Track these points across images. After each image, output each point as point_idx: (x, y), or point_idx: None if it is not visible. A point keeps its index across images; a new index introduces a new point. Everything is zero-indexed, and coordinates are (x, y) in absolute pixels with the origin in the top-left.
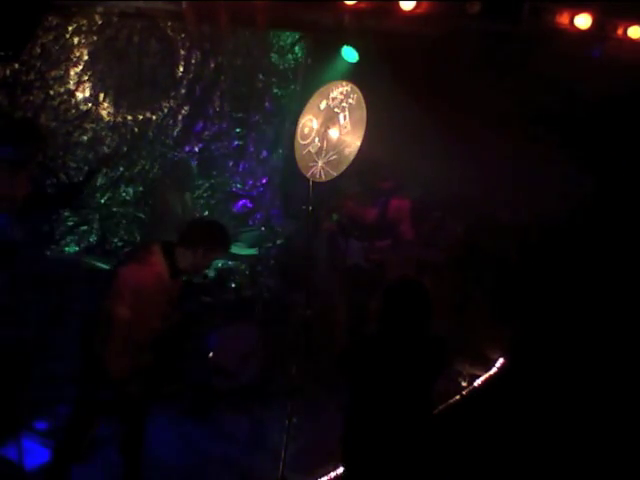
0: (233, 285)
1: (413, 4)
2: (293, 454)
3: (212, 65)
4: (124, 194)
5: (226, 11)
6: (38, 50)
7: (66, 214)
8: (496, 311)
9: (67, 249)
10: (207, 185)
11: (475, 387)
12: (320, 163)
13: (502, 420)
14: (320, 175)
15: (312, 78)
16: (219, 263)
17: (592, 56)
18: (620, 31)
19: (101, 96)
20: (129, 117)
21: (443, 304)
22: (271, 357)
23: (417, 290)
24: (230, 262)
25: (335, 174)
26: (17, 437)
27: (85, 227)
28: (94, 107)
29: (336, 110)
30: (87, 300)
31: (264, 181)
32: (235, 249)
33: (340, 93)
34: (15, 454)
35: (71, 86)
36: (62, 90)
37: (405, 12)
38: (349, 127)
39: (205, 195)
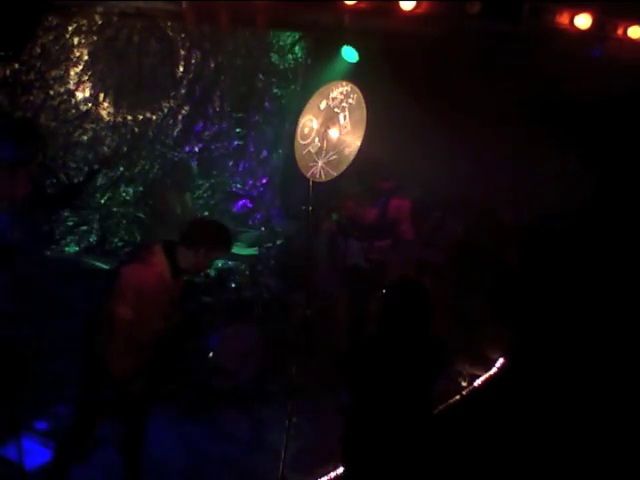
0: (233, 285)
1: (413, 4)
2: (293, 454)
3: (212, 65)
4: (124, 194)
5: (226, 11)
6: (38, 50)
7: (66, 214)
8: (496, 311)
9: (67, 249)
10: (207, 185)
11: (475, 387)
12: (320, 163)
13: (502, 420)
14: (320, 175)
15: (312, 78)
16: (219, 263)
17: (592, 56)
18: (620, 31)
19: (101, 96)
20: (129, 117)
21: (443, 304)
22: (271, 357)
23: (417, 290)
24: (230, 262)
25: (335, 174)
26: (17, 437)
27: (85, 227)
28: (94, 107)
29: (336, 110)
30: (87, 300)
31: (264, 181)
32: (235, 249)
33: (340, 93)
34: (15, 454)
35: (71, 86)
36: (62, 90)
37: (405, 12)
38: (349, 127)
39: (205, 195)
